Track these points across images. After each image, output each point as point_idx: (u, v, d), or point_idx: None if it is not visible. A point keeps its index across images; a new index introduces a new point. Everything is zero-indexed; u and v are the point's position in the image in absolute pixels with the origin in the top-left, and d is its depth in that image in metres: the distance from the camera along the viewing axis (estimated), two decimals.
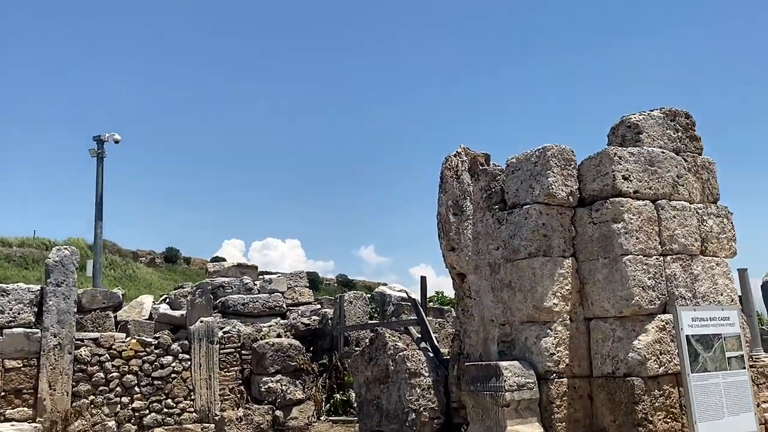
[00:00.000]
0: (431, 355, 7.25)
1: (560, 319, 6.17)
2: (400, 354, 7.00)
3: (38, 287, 9.03)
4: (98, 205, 19.05)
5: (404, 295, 14.59)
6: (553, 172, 6.29)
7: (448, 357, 7.48)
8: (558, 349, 6.09)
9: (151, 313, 10.35)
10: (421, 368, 6.89)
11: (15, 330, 8.64)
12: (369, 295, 13.51)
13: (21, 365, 8.62)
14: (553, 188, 6.25)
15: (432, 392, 6.80)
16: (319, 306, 11.91)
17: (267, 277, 12.11)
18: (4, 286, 8.83)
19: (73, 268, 9.20)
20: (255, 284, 11.67)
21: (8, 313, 8.69)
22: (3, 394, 8.44)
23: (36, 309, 8.90)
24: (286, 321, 11.12)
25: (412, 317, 12.86)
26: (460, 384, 6.67)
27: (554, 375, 6.03)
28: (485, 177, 6.95)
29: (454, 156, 7.21)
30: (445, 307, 14.39)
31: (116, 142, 19.37)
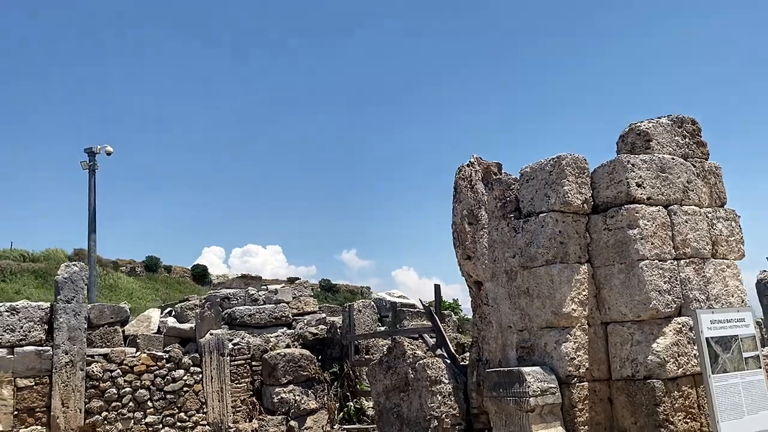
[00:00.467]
0: (448, 362, 7.34)
1: (579, 324, 6.30)
2: (420, 362, 7.09)
3: (48, 304, 9.00)
4: (91, 217, 18.94)
5: (403, 301, 14.71)
6: (568, 180, 6.43)
7: (465, 363, 7.60)
8: (578, 353, 6.23)
9: (159, 327, 10.34)
10: (441, 375, 6.99)
11: (26, 348, 8.61)
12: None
13: (33, 383, 8.59)
14: (568, 196, 6.39)
15: (452, 399, 6.90)
16: (324, 315, 11.96)
17: (271, 287, 12.14)
18: (14, 304, 8.79)
19: (83, 284, 9.19)
20: (260, 295, 11.71)
21: (19, 332, 8.65)
22: (16, 413, 8.40)
23: (46, 326, 8.87)
24: (293, 331, 11.16)
25: (415, 323, 12.99)
26: (481, 390, 6.78)
27: (575, 379, 6.16)
28: (499, 186, 7.07)
29: (468, 166, 7.33)
30: (444, 312, 14.49)
31: (108, 154, 19.28)
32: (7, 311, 8.65)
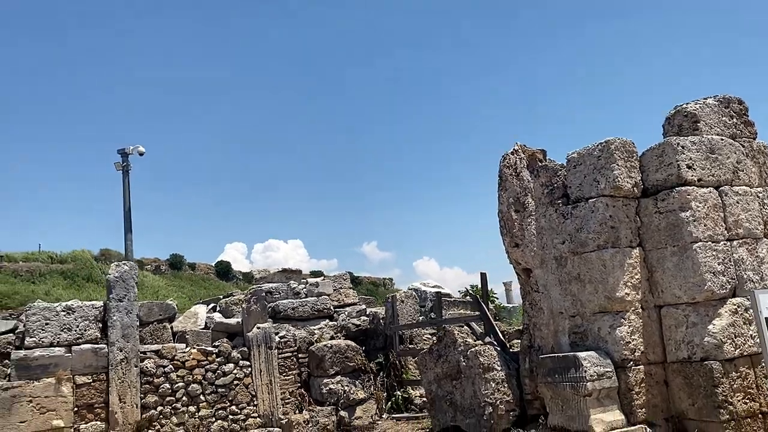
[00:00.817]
0: (499, 349, 7.42)
1: (632, 308, 6.32)
2: (472, 350, 7.17)
3: (101, 303, 9.23)
4: (127, 217, 19.34)
5: (439, 290, 14.79)
6: (617, 164, 6.44)
7: (514, 350, 7.66)
8: (633, 337, 6.25)
9: (206, 323, 10.55)
10: (493, 363, 7.07)
11: (83, 346, 8.85)
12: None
13: (91, 380, 8.83)
14: (618, 180, 6.40)
15: (506, 385, 6.97)
16: (364, 306, 12.08)
17: (311, 280, 12.29)
18: (69, 303, 9.03)
19: (133, 282, 9.40)
20: (302, 288, 11.86)
21: (75, 330, 8.89)
22: (76, 409, 8.64)
23: (100, 325, 9.10)
24: (335, 323, 11.30)
25: (452, 312, 13.07)
26: (534, 376, 6.85)
27: (631, 363, 6.19)
28: (546, 173, 7.10)
29: (512, 154, 7.37)
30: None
31: (141, 154, 19.60)
32: (63, 311, 8.90)
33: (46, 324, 8.81)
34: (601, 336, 6.36)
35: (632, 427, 6.04)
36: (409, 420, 9.23)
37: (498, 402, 6.87)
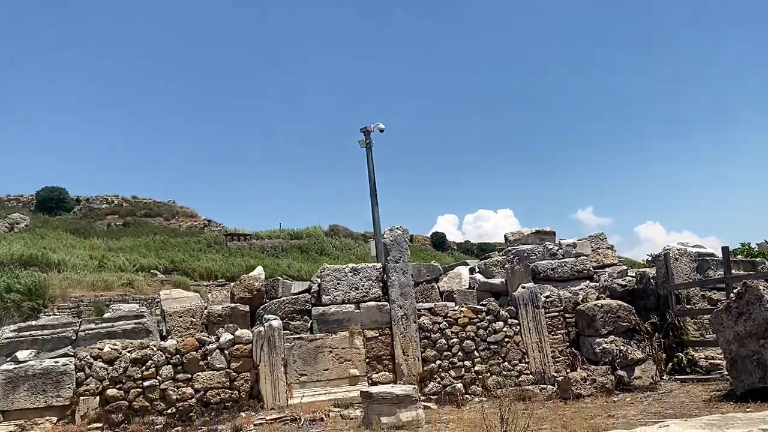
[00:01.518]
0: None
1: None
2: None
3: (380, 265, 10.08)
4: (372, 190, 20.69)
5: (704, 250, 13.66)
6: None
7: None
8: None
9: (470, 283, 10.97)
10: None
11: (369, 303, 9.77)
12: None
13: (377, 334, 9.72)
14: None
15: None
16: (626, 267, 11.63)
17: (567, 241, 12.14)
18: (354, 265, 10.02)
19: (406, 245, 10.11)
20: (558, 249, 11.77)
21: (362, 289, 9.84)
22: (367, 360, 9.59)
23: (381, 284, 9.95)
24: (596, 284, 11.06)
25: (720, 273, 11.99)
26: None
27: None
28: None
29: None
30: (757, 259, 13.16)
31: (381, 131, 20.80)
32: (350, 272, 9.89)
33: (338, 283, 9.86)
34: None
35: None
36: (697, 382, 8.72)
37: None
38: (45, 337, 8.72)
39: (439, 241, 48.51)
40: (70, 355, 8.49)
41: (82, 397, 8.26)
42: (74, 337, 8.87)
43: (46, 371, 8.19)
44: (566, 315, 10.13)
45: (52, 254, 27.91)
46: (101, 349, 8.59)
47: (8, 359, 8.34)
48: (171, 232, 41.21)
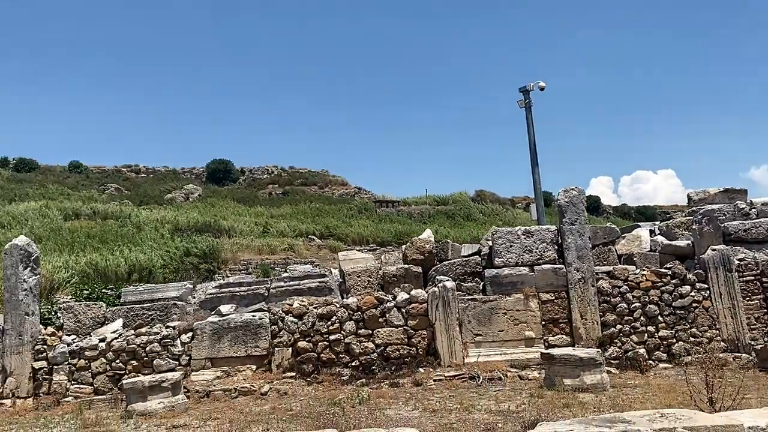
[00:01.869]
0: None
1: None
2: None
3: (555, 227, 9.82)
4: (533, 152, 20.11)
5: None
6: None
7: None
8: None
9: (650, 245, 10.39)
10: None
11: (543, 266, 9.58)
12: None
13: (553, 297, 9.53)
14: None
15: None
16: None
17: (761, 199, 11.06)
18: (528, 228, 9.86)
19: (583, 207, 9.74)
20: (751, 209, 10.77)
21: (535, 252, 9.66)
22: (543, 323, 9.45)
23: (556, 247, 9.70)
24: None
25: None
26: None
27: None
28: None
29: None
30: None
31: (541, 89, 20.09)
32: (523, 234, 9.74)
33: (510, 246, 9.75)
34: None
35: None
36: None
37: None
38: (242, 293, 9.53)
39: (593, 205, 46.38)
40: (264, 310, 9.21)
41: (276, 348, 8.94)
42: (266, 294, 9.61)
43: (245, 324, 8.95)
44: (763, 279, 9.28)
45: (223, 221, 30.25)
46: (291, 305, 9.21)
47: (212, 312, 9.23)
48: (325, 199, 43.04)
